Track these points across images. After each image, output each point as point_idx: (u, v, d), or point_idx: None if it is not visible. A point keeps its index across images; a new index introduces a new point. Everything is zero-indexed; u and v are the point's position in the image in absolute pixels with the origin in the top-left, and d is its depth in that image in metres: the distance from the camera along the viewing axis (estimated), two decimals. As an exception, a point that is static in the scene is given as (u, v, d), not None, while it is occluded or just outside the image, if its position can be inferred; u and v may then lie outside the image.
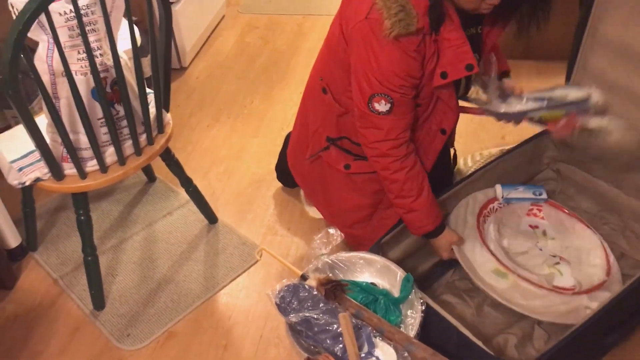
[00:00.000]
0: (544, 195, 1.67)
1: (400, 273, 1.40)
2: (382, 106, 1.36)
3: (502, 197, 1.66)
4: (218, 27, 3.15)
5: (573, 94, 1.47)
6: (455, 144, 1.78)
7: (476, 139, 2.19)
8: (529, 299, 1.40)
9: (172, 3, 2.59)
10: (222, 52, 2.93)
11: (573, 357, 1.30)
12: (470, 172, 1.74)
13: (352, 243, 1.71)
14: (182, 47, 2.72)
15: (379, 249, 1.49)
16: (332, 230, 1.45)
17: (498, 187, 1.67)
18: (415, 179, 1.44)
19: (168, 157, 1.74)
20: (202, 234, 1.89)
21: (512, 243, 1.60)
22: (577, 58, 1.67)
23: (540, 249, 1.59)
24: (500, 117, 1.49)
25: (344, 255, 1.46)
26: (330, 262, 1.44)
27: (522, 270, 1.48)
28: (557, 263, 1.55)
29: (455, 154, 1.79)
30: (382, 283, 1.43)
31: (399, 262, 1.49)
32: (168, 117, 1.67)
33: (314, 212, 1.92)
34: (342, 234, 1.45)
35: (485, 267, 1.48)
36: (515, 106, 1.45)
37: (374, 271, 1.45)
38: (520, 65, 2.49)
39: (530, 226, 1.66)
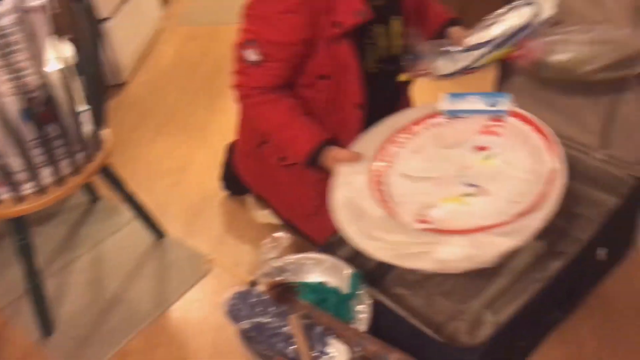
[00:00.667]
0: (505, 106, 1.37)
1: (348, 270, 1.41)
2: (252, 55, 1.37)
3: (445, 110, 1.42)
4: (156, 41, 3.12)
5: (516, 18, 1.38)
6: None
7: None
8: (391, 233, 1.25)
9: (105, 19, 2.55)
10: (162, 65, 2.90)
11: (520, 336, 1.34)
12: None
13: (315, 236, 1.69)
14: (120, 63, 2.69)
15: (328, 248, 1.50)
16: (279, 234, 1.45)
17: (444, 96, 1.45)
18: (284, 105, 1.42)
19: (108, 174, 1.71)
20: (150, 250, 1.87)
21: (426, 166, 1.37)
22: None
23: (462, 177, 1.33)
24: (449, 77, 1.46)
25: (293, 257, 1.46)
26: (279, 265, 1.44)
27: (401, 200, 1.31)
28: (469, 194, 1.28)
29: None
30: (332, 281, 1.44)
31: (350, 260, 1.50)
32: (105, 133, 1.64)
33: (262, 218, 1.92)
34: (290, 237, 1.45)
35: (365, 193, 1.35)
36: (458, 63, 1.41)
37: (323, 270, 1.45)
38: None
39: (477, 147, 1.37)
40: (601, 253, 1.46)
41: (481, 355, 1.20)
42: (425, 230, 1.22)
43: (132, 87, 2.75)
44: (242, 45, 1.40)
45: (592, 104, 1.58)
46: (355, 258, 1.56)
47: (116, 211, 2.02)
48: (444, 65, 1.45)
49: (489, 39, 1.40)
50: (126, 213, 1.99)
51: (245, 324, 1.28)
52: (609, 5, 1.46)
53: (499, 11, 1.45)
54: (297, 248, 1.74)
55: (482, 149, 1.36)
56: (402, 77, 1.51)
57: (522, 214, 1.17)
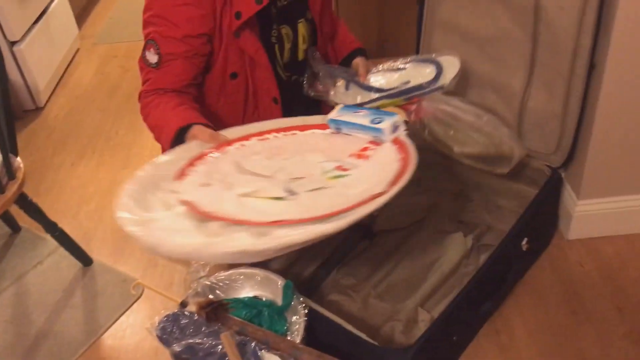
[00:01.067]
0: (384, 125, 1.24)
1: (280, 282, 1.40)
2: (151, 56, 1.35)
3: (330, 119, 1.34)
4: (73, 62, 3.02)
5: (419, 74, 1.43)
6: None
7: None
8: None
9: (16, 42, 2.46)
10: (81, 86, 2.81)
11: (454, 330, 1.36)
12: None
13: None
14: (35, 87, 2.59)
15: (260, 261, 1.48)
16: (208, 251, 1.43)
17: (338, 107, 1.39)
18: (165, 108, 1.37)
19: (25, 203, 1.64)
20: (77, 278, 1.79)
21: (268, 165, 1.28)
22: (420, 42, 1.75)
23: (288, 181, 1.21)
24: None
25: (223, 274, 1.44)
26: (209, 283, 1.42)
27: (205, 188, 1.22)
28: (279, 198, 1.16)
29: None
30: (265, 295, 1.42)
31: (284, 272, 1.49)
32: (18, 161, 1.57)
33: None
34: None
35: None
36: (355, 97, 1.45)
37: (255, 284, 1.43)
38: (377, 63, 2.59)
39: (338, 167, 1.23)
40: (525, 244, 1.50)
41: (415, 353, 1.21)
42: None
43: (50, 110, 2.65)
44: (143, 49, 1.37)
45: (505, 99, 1.63)
46: (289, 269, 1.56)
47: (39, 241, 1.94)
48: (342, 95, 1.48)
49: (387, 87, 1.44)
50: (50, 242, 1.90)
51: (178, 347, 1.24)
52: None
53: (405, 59, 1.50)
54: (227, 264, 1.73)
55: (343, 169, 1.22)
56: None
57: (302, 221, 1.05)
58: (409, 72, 1.47)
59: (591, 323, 1.48)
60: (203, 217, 1.10)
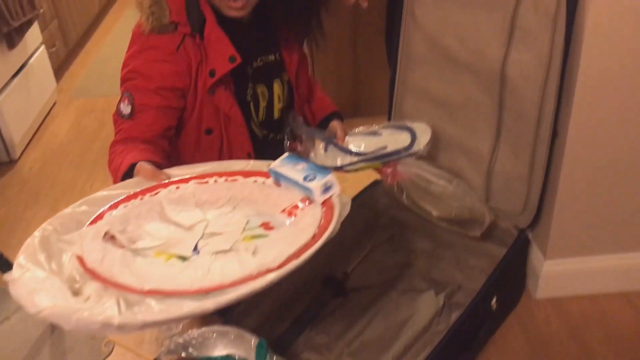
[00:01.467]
0: (313, 184, 1.14)
1: (254, 340, 1.40)
2: (125, 107, 1.37)
3: (270, 168, 1.24)
4: (50, 114, 3.04)
5: (395, 140, 1.52)
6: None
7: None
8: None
9: (-8, 95, 2.47)
10: (57, 140, 2.82)
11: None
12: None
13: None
14: (10, 139, 2.59)
15: (232, 319, 1.48)
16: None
17: (284, 157, 1.27)
18: (126, 149, 1.34)
19: (-4, 257, 1.63)
20: (45, 335, 1.76)
21: (189, 214, 1.20)
22: (393, 105, 1.82)
23: (200, 237, 1.13)
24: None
25: (196, 332, 1.43)
26: (182, 341, 1.41)
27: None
28: (181, 257, 1.07)
29: None
30: (237, 353, 1.42)
31: (256, 330, 1.49)
32: (-9, 215, 1.56)
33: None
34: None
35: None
36: (333, 159, 1.51)
37: (228, 343, 1.43)
38: (352, 123, 2.64)
39: (263, 224, 1.16)
40: (494, 303, 1.53)
41: (388, 414, 1.21)
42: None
43: (24, 163, 2.64)
44: (118, 102, 1.39)
45: (473, 162, 1.69)
46: (262, 326, 1.56)
47: (7, 295, 1.89)
48: (322, 156, 1.53)
49: (365, 151, 1.52)
50: (18, 297, 1.87)
51: (148, 407, 1.22)
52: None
53: (380, 125, 1.59)
54: (200, 321, 1.72)
55: (268, 228, 1.15)
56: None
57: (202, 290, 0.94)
58: (385, 138, 1.54)
59: (560, 382, 1.50)
60: (87, 274, 0.99)
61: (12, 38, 2.56)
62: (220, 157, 1.51)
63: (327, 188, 1.16)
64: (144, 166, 1.25)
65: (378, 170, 1.57)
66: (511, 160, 1.62)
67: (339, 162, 1.52)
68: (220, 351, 1.42)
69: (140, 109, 1.37)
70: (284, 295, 1.60)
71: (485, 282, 1.50)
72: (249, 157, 1.52)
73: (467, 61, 1.59)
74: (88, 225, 1.14)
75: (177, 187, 1.26)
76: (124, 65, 1.40)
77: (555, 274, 1.70)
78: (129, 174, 1.26)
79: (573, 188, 1.57)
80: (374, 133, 1.58)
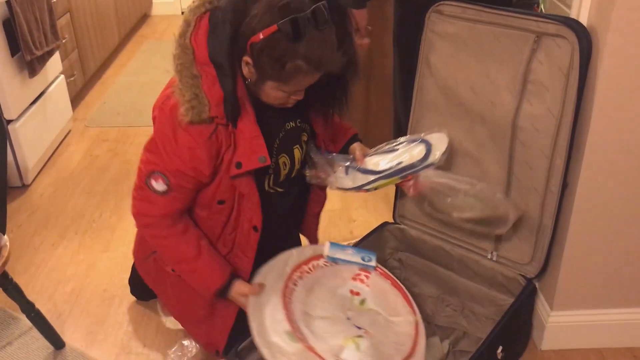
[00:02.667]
0: (373, 263, 1.59)
1: (258, 377, 1.39)
2: (159, 185, 1.40)
3: (328, 255, 1.57)
4: (64, 142, 3.07)
5: (410, 154, 1.55)
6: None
7: (326, 235, 2.29)
8: None
9: (11, 121, 2.51)
10: (69, 167, 2.85)
11: None
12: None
13: (201, 343, 1.65)
14: (24, 165, 2.62)
15: (236, 355, 1.48)
16: (186, 342, 1.43)
17: (327, 244, 1.60)
18: (190, 240, 1.47)
19: (6, 281, 1.63)
20: (47, 362, 1.75)
21: (320, 305, 1.47)
22: (409, 121, 1.83)
23: (348, 318, 1.45)
24: (345, 190, 1.58)
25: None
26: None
27: (313, 338, 1.36)
28: (359, 336, 1.38)
29: None
30: (241, 391, 1.42)
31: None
32: (4, 239, 1.58)
33: (170, 323, 1.87)
34: (197, 345, 1.43)
35: (280, 327, 1.39)
36: (354, 181, 1.54)
37: (233, 379, 1.43)
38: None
39: (352, 292, 1.54)
40: (500, 352, 1.52)
41: None
42: None
43: (36, 189, 2.67)
44: (148, 175, 1.42)
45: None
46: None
47: (11, 321, 1.90)
48: (342, 180, 1.57)
49: (383, 168, 1.55)
50: (22, 322, 1.87)
51: None
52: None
53: (398, 140, 1.62)
54: (204, 356, 1.71)
55: (356, 293, 1.54)
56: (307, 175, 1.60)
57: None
58: (400, 154, 1.57)
59: None
60: None
61: (34, 66, 2.62)
62: (225, 224, 1.53)
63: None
64: (243, 288, 1.46)
65: (400, 184, 1.59)
66: (517, 209, 1.63)
67: (359, 182, 1.55)
68: (223, 387, 1.42)
69: (174, 189, 1.41)
70: (288, 333, 1.59)
71: (491, 330, 1.50)
72: (254, 230, 1.53)
73: (480, 111, 1.63)
74: None
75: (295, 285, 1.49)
76: (154, 141, 1.42)
77: (562, 325, 1.69)
78: (222, 293, 1.47)
79: (582, 240, 1.58)
80: (391, 150, 1.61)
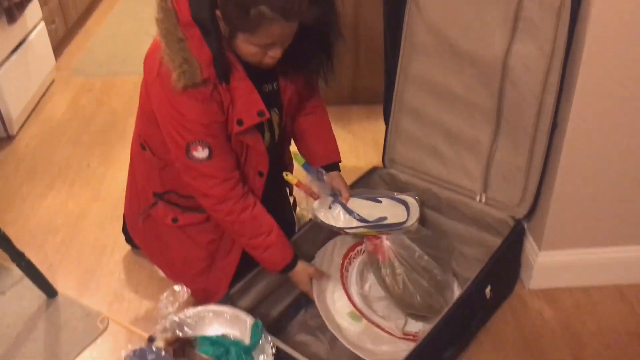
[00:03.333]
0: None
1: (249, 320, 1.41)
2: (200, 152, 1.39)
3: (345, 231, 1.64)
4: (48, 92, 3.02)
5: (394, 213, 1.63)
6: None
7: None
8: (378, 344, 1.48)
9: (-9, 70, 2.46)
10: (54, 117, 2.81)
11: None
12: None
13: (199, 298, 1.68)
14: (8, 115, 2.57)
15: (228, 299, 1.49)
16: (177, 288, 1.43)
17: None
18: (263, 215, 1.49)
19: (-6, 232, 1.62)
20: (40, 311, 1.76)
21: (374, 287, 1.62)
22: (393, 94, 1.82)
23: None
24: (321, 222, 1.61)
25: (192, 311, 1.44)
26: (178, 320, 1.41)
27: (375, 316, 1.55)
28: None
29: (295, 200, 1.87)
30: (232, 333, 1.43)
31: (252, 310, 1.50)
32: (-10, 189, 1.56)
33: (162, 271, 1.88)
34: (189, 290, 1.44)
35: (342, 310, 1.55)
36: (336, 219, 1.59)
37: (224, 322, 1.44)
38: (350, 110, 2.66)
39: None
40: (489, 291, 1.54)
41: (380, 396, 1.23)
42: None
43: (22, 139, 2.63)
44: (186, 150, 1.40)
45: (473, 153, 1.70)
46: (257, 308, 1.57)
47: (2, 271, 1.90)
48: (326, 213, 1.60)
49: (367, 218, 1.60)
50: (14, 272, 1.87)
51: (143, 383, 1.24)
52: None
53: (384, 193, 1.70)
54: (196, 302, 1.72)
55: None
56: (288, 177, 1.63)
57: None
58: (385, 208, 1.64)
59: (550, 372, 1.52)
60: None
61: (12, 13, 2.54)
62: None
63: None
64: (314, 272, 1.54)
65: (367, 236, 1.62)
66: (510, 151, 1.63)
67: (341, 224, 1.58)
68: (215, 330, 1.43)
69: (215, 147, 1.40)
70: (279, 278, 1.61)
71: (480, 270, 1.52)
72: (260, 175, 1.54)
73: (470, 51, 1.59)
74: None
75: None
76: (168, 124, 1.40)
77: (549, 265, 1.72)
78: (289, 267, 1.52)
79: (571, 180, 1.58)
80: (374, 199, 1.67)
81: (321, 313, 1.49)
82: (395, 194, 1.70)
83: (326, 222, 1.58)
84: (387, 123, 1.87)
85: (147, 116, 1.49)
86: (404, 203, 1.67)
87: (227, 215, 1.47)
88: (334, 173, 1.67)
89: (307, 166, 1.65)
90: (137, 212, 1.69)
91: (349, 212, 1.60)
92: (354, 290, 1.60)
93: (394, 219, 1.61)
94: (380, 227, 1.59)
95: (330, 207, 1.61)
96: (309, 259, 1.63)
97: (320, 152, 1.68)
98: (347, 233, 1.62)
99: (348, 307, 1.56)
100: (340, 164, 1.70)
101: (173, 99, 1.34)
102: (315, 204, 1.60)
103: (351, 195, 1.64)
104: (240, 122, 1.40)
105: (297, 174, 1.68)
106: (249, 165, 1.52)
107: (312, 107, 1.67)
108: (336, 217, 1.59)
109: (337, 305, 1.56)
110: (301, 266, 1.54)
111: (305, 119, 1.67)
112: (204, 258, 1.64)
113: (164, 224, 1.63)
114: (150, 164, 1.59)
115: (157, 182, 1.60)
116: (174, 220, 1.60)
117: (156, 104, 1.40)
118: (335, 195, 1.63)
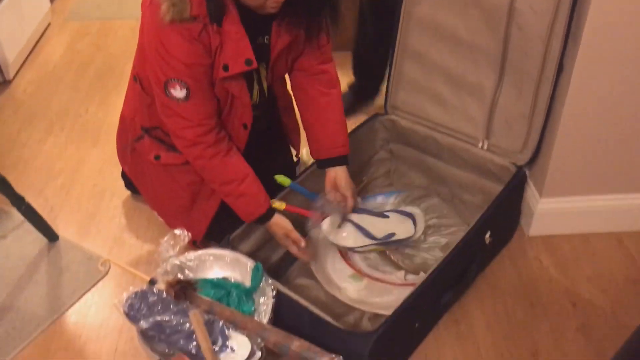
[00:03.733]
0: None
1: (250, 263, 1.42)
2: (178, 92, 1.37)
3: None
4: (44, 36, 2.96)
5: (404, 228, 1.64)
6: (295, 135, 1.84)
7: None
8: (381, 296, 1.51)
9: (-15, 12, 2.40)
10: (51, 62, 2.76)
11: (415, 318, 1.40)
12: (312, 161, 1.78)
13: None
14: (4, 59, 2.53)
15: (228, 243, 1.50)
16: (178, 232, 1.43)
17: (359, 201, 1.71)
18: (236, 163, 1.47)
19: (-7, 175, 1.62)
20: (42, 254, 1.78)
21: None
22: (397, 38, 1.77)
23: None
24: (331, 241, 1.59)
25: (193, 254, 1.45)
26: (179, 263, 1.43)
27: (377, 272, 1.60)
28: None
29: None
30: (233, 276, 1.44)
31: (252, 254, 1.51)
32: (-13, 132, 1.55)
33: (148, 204, 1.88)
34: (189, 234, 1.44)
35: (343, 274, 1.59)
36: (347, 240, 1.58)
37: (224, 265, 1.45)
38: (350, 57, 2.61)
39: None
40: (488, 237, 1.55)
41: (378, 338, 1.24)
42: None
43: (18, 85, 2.60)
44: (164, 87, 1.37)
45: (476, 99, 1.68)
46: (258, 251, 1.58)
47: (3, 215, 1.91)
48: (336, 234, 1.58)
49: (375, 235, 1.59)
50: (15, 217, 1.88)
51: (145, 323, 1.25)
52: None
53: (391, 203, 1.74)
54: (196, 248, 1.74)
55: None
56: (279, 178, 1.61)
57: None
58: (393, 224, 1.65)
59: (546, 316, 1.54)
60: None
61: (5, -47, 2.47)
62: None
63: None
64: (292, 233, 1.49)
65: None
66: (514, 97, 1.61)
67: (351, 243, 1.58)
68: (216, 274, 1.45)
69: (194, 89, 1.37)
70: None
71: (480, 215, 1.52)
72: (244, 127, 1.51)
73: (476, -8, 1.55)
74: None
75: None
76: (154, 56, 1.36)
77: (549, 212, 1.72)
78: (264, 218, 1.49)
79: (574, 126, 1.56)
80: (382, 215, 1.67)
81: (322, 284, 1.53)
82: (406, 208, 1.72)
83: (338, 243, 1.58)
84: (389, 68, 1.84)
85: (141, 49, 1.48)
86: (410, 216, 1.67)
87: (196, 158, 1.46)
88: (339, 170, 1.58)
89: (295, 186, 1.60)
90: (125, 142, 1.70)
91: (359, 228, 1.59)
92: (354, 256, 1.64)
93: (402, 234, 1.61)
94: (389, 243, 1.60)
95: (339, 226, 1.59)
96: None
97: (326, 143, 1.59)
98: (356, 252, 1.63)
99: (348, 271, 1.59)
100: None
101: (160, 31, 1.32)
102: (324, 224, 1.56)
103: (358, 211, 1.63)
104: (226, 68, 1.36)
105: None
106: (233, 116, 1.50)
107: (325, 81, 1.59)
108: (346, 238, 1.58)
109: (337, 271, 1.59)
110: (278, 219, 1.50)
111: (315, 100, 1.59)
112: (185, 197, 1.64)
113: (147, 160, 1.63)
114: (140, 97, 1.58)
115: (145, 116, 1.59)
116: (157, 157, 1.60)
117: (145, 34, 1.38)
118: (346, 216, 1.60)
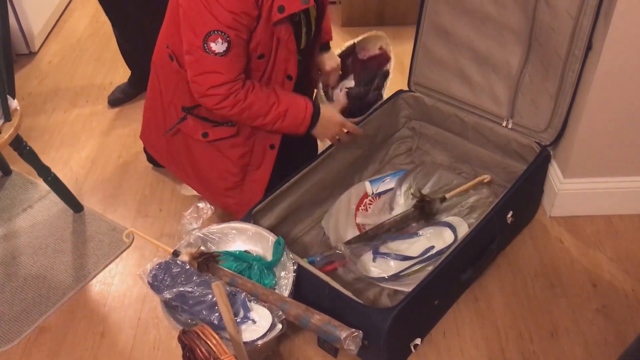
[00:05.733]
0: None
1: (271, 238, 1.43)
2: (218, 45, 1.36)
3: (373, 193, 1.76)
4: (68, 8, 2.98)
5: (442, 239, 1.58)
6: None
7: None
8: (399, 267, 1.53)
9: (11, -17, 2.42)
10: (75, 34, 2.78)
11: (435, 296, 1.41)
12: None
13: (233, 211, 1.70)
14: (30, 31, 2.55)
15: (250, 217, 1.51)
16: (201, 205, 1.45)
17: (367, 185, 1.77)
18: (265, 90, 1.48)
19: (20, 146, 1.64)
20: (67, 224, 1.81)
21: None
22: (423, 14, 1.76)
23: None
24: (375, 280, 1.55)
25: (215, 227, 1.47)
26: (202, 235, 1.44)
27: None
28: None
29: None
30: (255, 249, 1.46)
31: (273, 229, 1.53)
32: (15, 103, 1.57)
33: (185, 190, 1.90)
34: (212, 207, 1.46)
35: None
36: (383, 270, 1.53)
37: (246, 239, 1.47)
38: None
39: None
40: (510, 217, 1.54)
41: (397, 314, 1.25)
42: None
43: (43, 56, 2.62)
44: (205, 39, 1.36)
45: (502, 77, 1.66)
46: (278, 226, 1.59)
47: (30, 185, 1.95)
48: (369, 268, 1.54)
49: (412, 255, 1.55)
50: (41, 187, 1.92)
51: (168, 294, 1.28)
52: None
53: (417, 226, 1.64)
54: (219, 217, 1.76)
55: None
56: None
57: None
58: (430, 239, 1.59)
59: (566, 296, 1.54)
60: None
61: None
62: (261, 78, 1.50)
63: None
64: (345, 122, 1.59)
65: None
66: (540, 75, 1.58)
67: (393, 270, 1.52)
68: (238, 247, 1.46)
69: (234, 44, 1.36)
70: (300, 198, 1.62)
71: (503, 194, 1.51)
72: (289, 78, 1.51)
73: (505, -32, 1.52)
74: None
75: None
76: (196, 8, 1.35)
77: (573, 193, 1.70)
78: (316, 115, 1.54)
79: (601, 106, 1.54)
80: (414, 235, 1.61)
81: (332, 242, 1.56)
82: (441, 218, 1.66)
83: (378, 276, 1.53)
84: (413, 44, 1.82)
85: (177, 23, 1.45)
86: (449, 225, 1.61)
87: (233, 107, 1.45)
88: (326, 54, 1.72)
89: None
90: (161, 129, 1.68)
91: (394, 256, 1.56)
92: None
93: (441, 244, 1.57)
94: (429, 258, 1.55)
95: (374, 261, 1.56)
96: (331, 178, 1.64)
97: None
98: (401, 277, 1.54)
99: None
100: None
101: None
102: (358, 267, 1.54)
103: (387, 240, 1.61)
104: (281, 9, 1.36)
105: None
106: (277, 67, 1.49)
107: None
108: (385, 268, 1.54)
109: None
110: (327, 111, 1.56)
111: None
112: (236, 173, 1.63)
113: (194, 139, 1.62)
114: (178, 76, 1.55)
115: (186, 95, 1.56)
116: (204, 135, 1.59)
117: None
118: (377, 249, 1.58)
